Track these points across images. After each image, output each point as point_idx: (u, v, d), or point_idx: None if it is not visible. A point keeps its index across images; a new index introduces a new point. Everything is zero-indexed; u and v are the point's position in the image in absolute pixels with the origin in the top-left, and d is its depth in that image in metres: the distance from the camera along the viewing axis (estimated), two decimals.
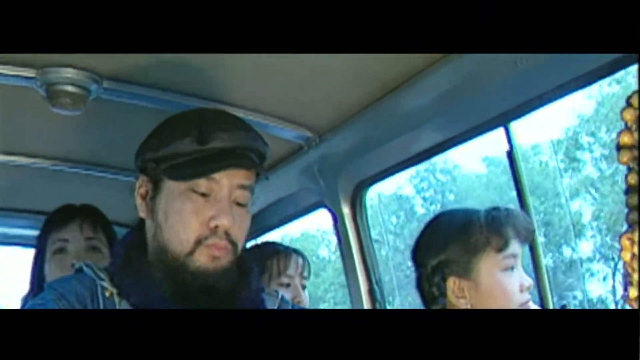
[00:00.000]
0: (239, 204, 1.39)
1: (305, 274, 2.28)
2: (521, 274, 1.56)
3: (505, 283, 1.53)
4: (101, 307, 1.31)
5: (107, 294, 1.34)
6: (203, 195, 1.35)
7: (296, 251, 2.32)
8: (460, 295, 1.56)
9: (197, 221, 1.34)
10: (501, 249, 1.54)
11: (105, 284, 1.35)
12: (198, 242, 1.34)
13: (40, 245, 2.05)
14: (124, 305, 1.33)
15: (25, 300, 2.05)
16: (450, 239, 1.58)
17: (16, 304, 2.12)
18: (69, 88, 1.78)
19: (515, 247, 1.56)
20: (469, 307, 1.55)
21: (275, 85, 1.94)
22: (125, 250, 1.42)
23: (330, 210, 2.37)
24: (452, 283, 1.56)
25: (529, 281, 1.55)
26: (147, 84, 1.89)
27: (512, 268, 1.55)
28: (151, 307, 1.31)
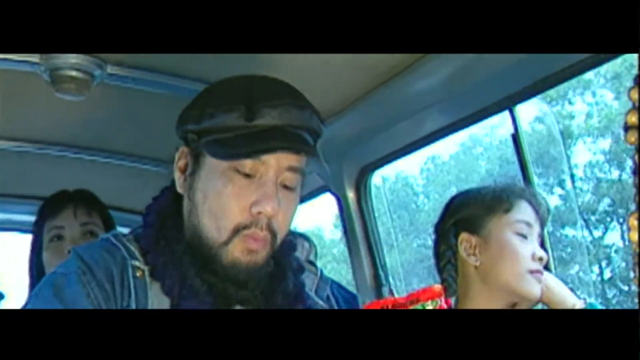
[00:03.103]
0: (286, 187, 1.29)
1: (312, 258, 2.28)
2: (536, 245, 1.62)
3: (515, 245, 1.60)
4: (131, 288, 1.23)
5: (137, 274, 1.25)
6: (247, 176, 1.25)
7: (302, 235, 2.32)
8: (470, 252, 1.63)
9: (237, 206, 1.24)
10: (509, 210, 1.62)
11: (137, 262, 1.27)
12: (236, 231, 1.25)
13: (37, 233, 2.05)
14: (155, 288, 1.25)
15: (30, 289, 2.05)
16: (466, 202, 1.69)
17: (20, 291, 2.13)
18: (73, 73, 1.77)
19: (527, 215, 1.63)
20: (477, 264, 1.62)
21: (278, 70, 1.93)
22: (159, 220, 1.33)
23: (335, 194, 2.37)
24: (463, 238, 1.65)
25: (542, 253, 1.60)
26: (151, 70, 1.88)
27: (525, 235, 1.61)
28: (185, 296, 1.24)
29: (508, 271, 1.59)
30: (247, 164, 1.25)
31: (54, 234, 2.00)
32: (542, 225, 1.66)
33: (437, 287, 1.31)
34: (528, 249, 1.60)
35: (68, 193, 2.09)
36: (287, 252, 1.39)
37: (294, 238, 2.27)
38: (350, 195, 2.31)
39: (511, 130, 1.91)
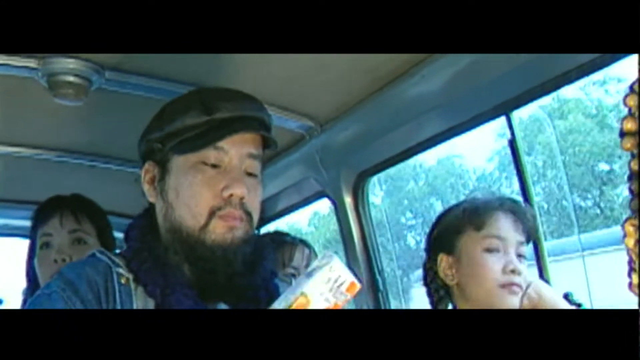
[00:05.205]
0: (249, 174, 1.37)
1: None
2: (508, 258, 1.61)
3: (484, 261, 1.61)
4: (116, 294, 1.28)
5: (122, 281, 1.30)
6: (213, 166, 1.33)
7: (302, 242, 2.31)
8: (447, 272, 1.66)
9: (209, 192, 1.32)
10: (480, 227, 1.63)
11: (121, 270, 1.32)
12: (212, 214, 1.32)
13: (32, 239, 2.04)
14: (140, 292, 1.30)
15: (26, 293, 2.05)
16: (440, 222, 1.72)
17: (17, 296, 2.12)
18: (71, 78, 1.77)
19: (500, 229, 1.63)
20: (454, 283, 1.65)
21: (277, 75, 1.93)
22: (140, 234, 1.39)
23: (332, 200, 2.37)
24: (440, 259, 1.67)
25: (514, 265, 1.60)
26: (149, 75, 1.88)
27: (496, 250, 1.62)
28: (168, 293, 1.29)
29: (479, 288, 1.61)
30: (212, 155, 1.33)
31: (43, 241, 1.99)
32: (528, 234, 1.66)
33: None
34: (498, 264, 1.60)
35: (58, 199, 2.06)
36: (265, 256, 1.44)
37: (292, 244, 2.28)
38: (348, 200, 2.31)
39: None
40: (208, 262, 1.32)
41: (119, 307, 1.28)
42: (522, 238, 1.64)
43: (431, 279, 1.70)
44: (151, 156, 1.39)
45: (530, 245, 1.84)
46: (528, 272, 1.67)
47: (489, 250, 1.61)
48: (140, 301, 1.30)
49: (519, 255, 1.63)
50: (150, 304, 1.30)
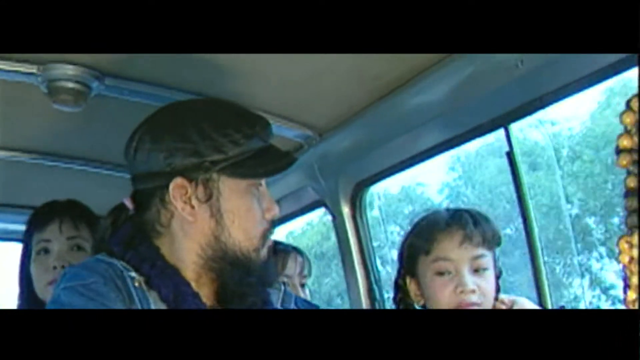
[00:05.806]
0: None
1: (305, 272, 2.26)
2: (460, 278, 1.58)
3: (435, 286, 1.60)
4: (133, 296, 1.29)
5: (136, 284, 1.31)
6: (257, 188, 1.40)
7: (296, 249, 2.30)
8: (414, 293, 1.66)
9: (259, 215, 1.39)
10: (428, 250, 1.62)
11: (133, 273, 1.32)
12: (264, 237, 1.40)
13: (26, 244, 2.03)
14: (153, 296, 1.32)
15: (20, 298, 2.04)
16: (405, 240, 1.70)
17: (11, 300, 2.11)
18: (70, 84, 1.77)
19: (448, 249, 1.61)
20: (422, 304, 1.65)
21: (276, 84, 1.94)
22: (134, 254, 1.37)
23: (329, 209, 2.37)
24: (407, 281, 1.68)
25: (464, 286, 1.57)
26: (148, 81, 1.88)
27: (446, 272, 1.59)
28: (178, 301, 1.32)
29: None
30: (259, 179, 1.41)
31: (40, 247, 1.97)
32: (489, 242, 1.62)
33: None
34: (449, 285, 1.58)
35: (55, 205, 2.05)
36: None
37: (285, 252, 2.28)
38: (345, 210, 2.31)
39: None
40: (252, 279, 1.39)
41: (138, 307, 1.29)
42: (478, 251, 1.60)
43: (400, 298, 1.69)
44: (187, 173, 1.36)
45: (528, 261, 1.84)
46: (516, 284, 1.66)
47: (440, 273, 1.60)
48: (154, 305, 1.31)
49: (476, 270, 1.59)
50: (163, 308, 1.32)
